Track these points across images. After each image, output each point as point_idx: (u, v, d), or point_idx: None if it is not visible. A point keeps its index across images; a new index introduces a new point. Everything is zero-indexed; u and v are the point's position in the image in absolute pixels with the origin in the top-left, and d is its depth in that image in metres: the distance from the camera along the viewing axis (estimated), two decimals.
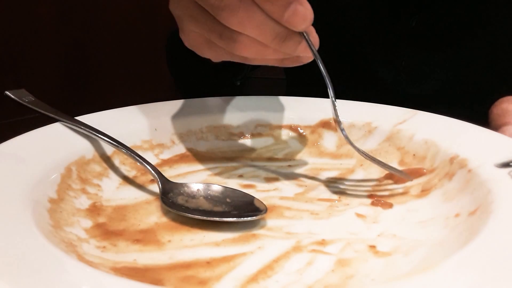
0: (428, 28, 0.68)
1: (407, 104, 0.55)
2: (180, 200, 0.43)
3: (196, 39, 0.46)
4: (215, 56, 0.46)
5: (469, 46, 0.68)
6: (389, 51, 0.70)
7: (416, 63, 0.69)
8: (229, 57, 0.46)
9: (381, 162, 0.46)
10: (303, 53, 0.42)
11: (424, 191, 0.45)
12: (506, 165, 0.40)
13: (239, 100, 0.59)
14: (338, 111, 0.45)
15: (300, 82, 0.72)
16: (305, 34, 0.42)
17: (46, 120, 0.50)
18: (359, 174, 0.50)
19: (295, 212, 0.43)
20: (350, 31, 0.71)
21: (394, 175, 0.48)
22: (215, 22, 0.42)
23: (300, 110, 0.58)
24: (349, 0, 0.70)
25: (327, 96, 0.59)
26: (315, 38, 0.43)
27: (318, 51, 0.43)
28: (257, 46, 0.42)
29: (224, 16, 0.41)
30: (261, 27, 0.41)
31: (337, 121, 0.45)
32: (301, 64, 0.45)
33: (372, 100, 0.57)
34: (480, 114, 0.68)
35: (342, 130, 0.46)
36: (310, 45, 0.42)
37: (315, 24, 0.42)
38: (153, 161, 0.51)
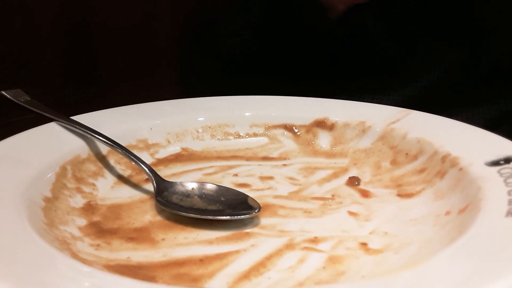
0: (435, 13, 0.68)
1: (409, 105, 0.56)
2: (175, 199, 0.43)
3: None
4: None
5: (474, 37, 0.68)
6: (392, 26, 0.70)
7: (420, 40, 0.69)
8: None
9: None
10: None
11: (416, 190, 0.46)
12: (496, 163, 0.41)
13: (234, 100, 0.59)
14: None
15: (301, 81, 0.72)
16: None
17: (42, 120, 0.51)
18: (352, 173, 0.50)
19: (288, 210, 0.44)
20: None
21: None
22: None
23: (295, 109, 0.58)
24: None
25: (326, 96, 0.60)
26: None
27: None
28: None
29: None
30: None
31: None
32: None
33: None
34: (479, 115, 0.68)
35: None
36: None
37: None
38: (149, 160, 0.52)
